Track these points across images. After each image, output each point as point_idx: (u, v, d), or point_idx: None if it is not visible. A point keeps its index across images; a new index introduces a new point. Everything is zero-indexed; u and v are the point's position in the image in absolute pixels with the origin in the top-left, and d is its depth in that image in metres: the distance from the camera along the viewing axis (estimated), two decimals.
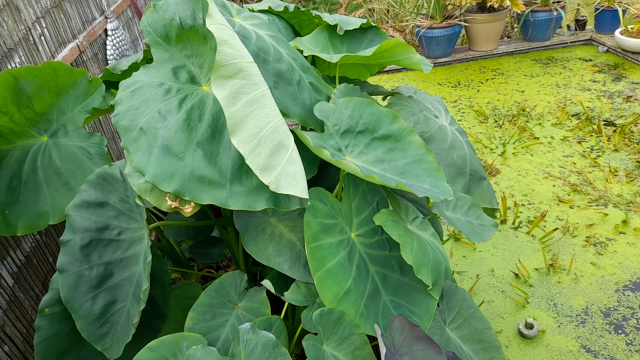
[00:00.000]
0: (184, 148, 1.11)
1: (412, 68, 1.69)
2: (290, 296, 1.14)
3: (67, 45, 2.40)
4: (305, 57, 1.79)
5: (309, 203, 1.08)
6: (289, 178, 1.03)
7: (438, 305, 1.26)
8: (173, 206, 1.09)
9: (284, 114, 1.27)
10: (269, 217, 1.28)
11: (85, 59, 2.59)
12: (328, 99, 1.45)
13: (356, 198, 1.26)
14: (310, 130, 1.38)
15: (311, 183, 1.47)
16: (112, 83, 1.63)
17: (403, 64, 1.72)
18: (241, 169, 1.11)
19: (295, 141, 1.28)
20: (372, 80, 5.30)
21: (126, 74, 1.54)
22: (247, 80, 1.03)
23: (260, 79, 1.08)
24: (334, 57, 1.58)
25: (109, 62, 2.81)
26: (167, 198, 1.09)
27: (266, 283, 1.19)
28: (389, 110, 1.35)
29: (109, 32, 2.89)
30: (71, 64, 2.40)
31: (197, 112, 1.16)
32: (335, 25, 1.75)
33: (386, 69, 5.25)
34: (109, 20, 2.91)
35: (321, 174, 1.51)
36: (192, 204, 1.10)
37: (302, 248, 1.24)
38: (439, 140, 1.73)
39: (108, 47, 2.86)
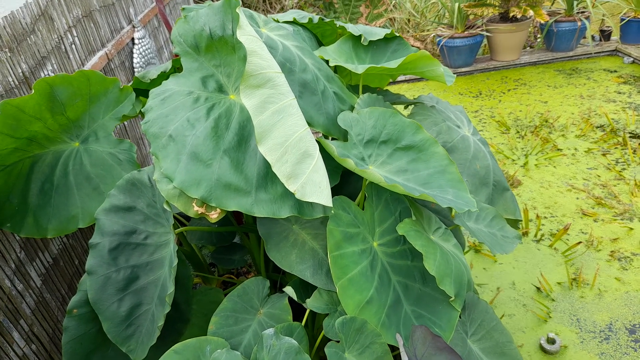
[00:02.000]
0: (212, 155, 1.13)
1: (436, 80, 1.69)
2: (312, 303, 1.15)
3: (96, 53, 2.48)
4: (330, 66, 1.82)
5: (332, 211, 1.09)
6: (314, 186, 1.04)
7: (460, 317, 1.25)
8: (200, 212, 1.11)
9: (309, 124, 1.29)
10: (292, 225, 1.29)
11: (113, 67, 2.67)
12: (351, 108, 1.46)
13: (379, 207, 1.27)
14: (334, 139, 1.39)
15: (333, 191, 1.48)
16: (140, 91, 1.68)
17: (426, 76, 1.73)
18: (266, 177, 1.13)
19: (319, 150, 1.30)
20: (393, 88, 5.30)
21: (155, 82, 1.58)
22: (275, 89, 1.05)
23: (288, 88, 1.10)
24: (359, 68, 1.59)
25: (135, 70, 2.88)
26: (194, 204, 1.12)
27: (288, 290, 1.20)
28: (412, 120, 1.36)
29: (136, 41, 2.97)
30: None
31: (225, 121, 1.18)
32: (360, 36, 1.77)
33: (407, 78, 5.26)
34: (136, 29, 2.99)
35: (343, 182, 1.52)
36: (218, 210, 1.12)
37: (325, 256, 1.25)
38: (462, 150, 1.73)
39: (134, 55, 2.94)
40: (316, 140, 1.24)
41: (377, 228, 1.26)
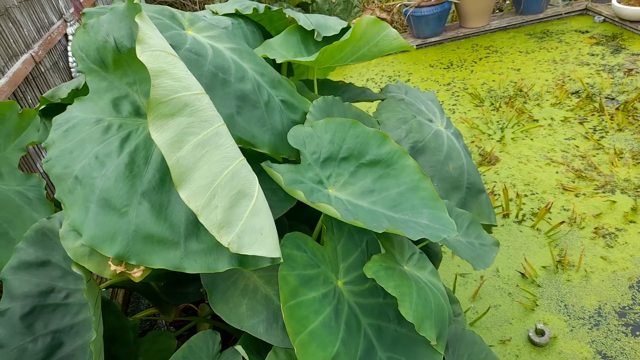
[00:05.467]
0: (127, 201, 0.91)
1: (396, 49, 1.47)
2: None
3: (19, 57, 2.17)
4: (280, 64, 1.58)
5: (281, 260, 0.89)
6: (254, 234, 0.84)
7: (444, 358, 1.08)
8: (118, 272, 0.90)
9: (251, 145, 1.07)
10: None
11: (43, 70, 2.37)
12: (304, 116, 1.25)
13: (341, 240, 1.07)
14: (284, 160, 1.18)
15: (290, 215, 1.28)
16: (55, 109, 1.42)
17: (384, 47, 1.49)
18: (198, 221, 0.92)
19: (266, 177, 1.09)
20: (360, 67, 5.06)
21: (66, 102, 1.33)
22: (195, 117, 0.83)
23: (213, 113, 0.88)
24: (310, 57, 1.38)
25: (71, 70, 2.58)
26: (109, 263, 0.90)
27: (240, 349, 1.01)
28: (376, 130, 1.15)
29: (70, 37, 2.65)
30: (26, 78, 2.17)
31: (143, 153, 0.96)
32: (312, 31, 1.54)
33: None
34: (69, 23, 2.67)
35: (303, 204, 1.32)
36: (142, 267, 0.91)
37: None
38: (434, 150, 1.54)
39: (70, 53, 2.63)
40: (262, 167, 1.03)
41: (340, 264, 1.06)
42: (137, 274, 0.90)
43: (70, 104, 1.07)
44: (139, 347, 1.29)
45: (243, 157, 0.89)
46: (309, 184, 1.05)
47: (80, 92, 1.29)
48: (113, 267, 0.90)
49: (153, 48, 0.81)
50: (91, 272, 0.96)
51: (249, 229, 0.84)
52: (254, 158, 1.13)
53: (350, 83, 1.76)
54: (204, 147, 0.83)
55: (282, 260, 0.90)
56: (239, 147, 1.08)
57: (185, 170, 0.81)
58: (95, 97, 1.02)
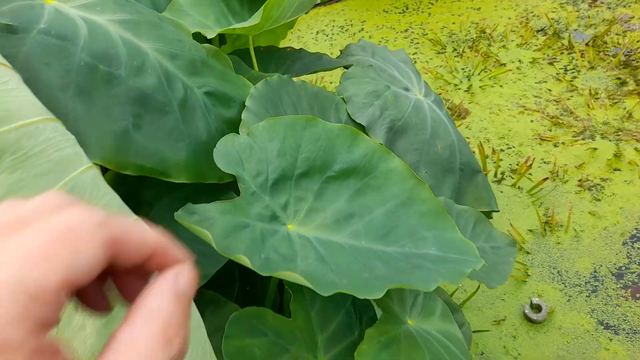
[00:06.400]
0: None
1: None
2: None
3: None
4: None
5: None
6: None
7: None
8: None
9: (160, 173, 0.69)
10: None
11: None
12: (242, 109, 0.87)
13: (316, 303, 0.74)
14: (219, 185, 0.81)
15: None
16: None
17: None
18: None
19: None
20: (307, 18, 4.58)
21: None
22: (23, 170, 0.44)
23: (62, 153, 0.48)
24: (249, 22, 0.99)
25: None
26: None
27: None
28: (342, 126, 0.79)
29: None
30: None
31: None
32: None
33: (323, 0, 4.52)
34: None
35: None
36: None
37: None
38: (417, 128, 1.20)
39: None
40: (181, 224, 0.66)
41: (319, 335, 0.74)
42: None
43: None
44: None
45: None
46: (257, 225, 0.69)
47: None
48: None
49: None
50: None
51: None
52: (175, 191, 0.76)
53: (301, 49, 1.37)
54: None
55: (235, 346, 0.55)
56: (149, 179, 0.70)
57: None
58: None
